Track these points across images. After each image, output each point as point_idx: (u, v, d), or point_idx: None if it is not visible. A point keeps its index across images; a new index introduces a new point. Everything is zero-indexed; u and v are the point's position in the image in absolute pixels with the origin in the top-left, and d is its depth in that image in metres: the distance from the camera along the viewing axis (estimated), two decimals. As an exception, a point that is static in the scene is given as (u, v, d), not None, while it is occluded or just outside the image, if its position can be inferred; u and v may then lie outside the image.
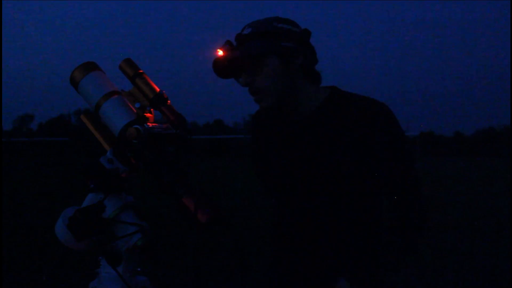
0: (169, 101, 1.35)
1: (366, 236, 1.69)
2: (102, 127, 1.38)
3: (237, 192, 12.14)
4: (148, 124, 1.32)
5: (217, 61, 1.63)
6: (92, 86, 1.39)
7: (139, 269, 1.38)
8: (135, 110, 1.35)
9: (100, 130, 1.39)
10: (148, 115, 1.36)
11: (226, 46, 1.62)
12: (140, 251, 1.34)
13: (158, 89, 1.35)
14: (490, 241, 6.86)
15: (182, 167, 1.30)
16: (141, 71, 1.37)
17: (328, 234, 1.67)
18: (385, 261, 1.65)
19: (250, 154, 1.87)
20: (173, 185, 1.27)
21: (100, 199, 1.32)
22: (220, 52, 1.62)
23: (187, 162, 1.31)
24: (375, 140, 1.62)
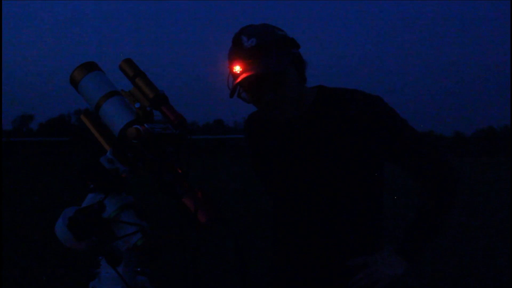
0: (169, 101, 1.35)
1: (366, 235, 1.69)
2: (102, 127, 1.38)
3: (237, 192, 12.13)
4: (148, 124, 1.32)
5: (241, 82, 1.55)
6: (92, 86, 1.39)
7: (139, 269, 1.38)
8: (135, 110, 1.35)
9: (100, 130, 1.38)
10: (148, 115, 1.36)
11: (246, 63, 1.54)
12: (140, 251, 1.34)
13: (158, 89, 1.35)
14: (490, 241, 6.86)
15: (182, 167, 1.30)
16: (141, 71, 1.37)
17: (328, 234, 1.67)
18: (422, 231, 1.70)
19: (249, 159, 1.86)
20: (173, 185, 1.27)
21: (100, 199, 1.32)
22: (237, 68, 1.55)
23: (187, 162, 1.31)
24: (381, 134, 1.61)
